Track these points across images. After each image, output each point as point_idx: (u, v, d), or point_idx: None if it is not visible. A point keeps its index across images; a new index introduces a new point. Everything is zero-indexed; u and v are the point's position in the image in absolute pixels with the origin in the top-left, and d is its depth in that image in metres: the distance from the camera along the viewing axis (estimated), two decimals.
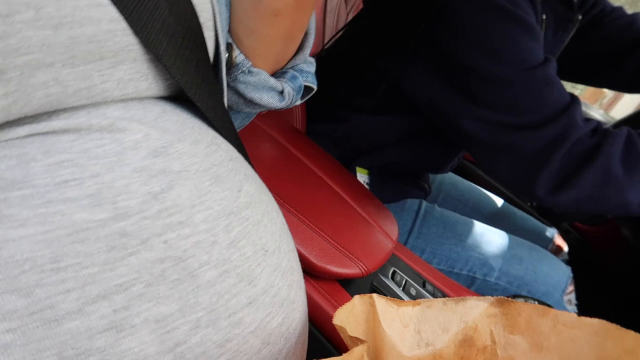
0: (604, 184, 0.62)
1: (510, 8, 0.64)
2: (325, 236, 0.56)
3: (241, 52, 0.36)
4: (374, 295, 0.28)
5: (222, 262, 0.21)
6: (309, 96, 0.44)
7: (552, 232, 1.09)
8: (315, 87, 0.44)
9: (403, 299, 0.41)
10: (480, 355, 0.30)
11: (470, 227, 0.92)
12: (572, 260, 1.14)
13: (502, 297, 0.29)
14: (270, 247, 0.24)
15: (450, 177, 1.14)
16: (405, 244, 0.89)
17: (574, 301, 0.92)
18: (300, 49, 0.41)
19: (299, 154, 0.67)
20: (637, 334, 0.26)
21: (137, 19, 0.22)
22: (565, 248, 1.09)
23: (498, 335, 0.30)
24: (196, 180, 0.22)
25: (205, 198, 0.22)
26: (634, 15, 0.92)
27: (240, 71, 0.37)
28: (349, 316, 0.27)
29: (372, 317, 0.28)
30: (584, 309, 1.10)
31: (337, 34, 0.87)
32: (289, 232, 0.29)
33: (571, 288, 0.89)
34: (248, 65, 0.37)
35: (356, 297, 0.28)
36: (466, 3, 0.65)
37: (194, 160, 0.23)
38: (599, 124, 0.65)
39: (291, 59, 0.41)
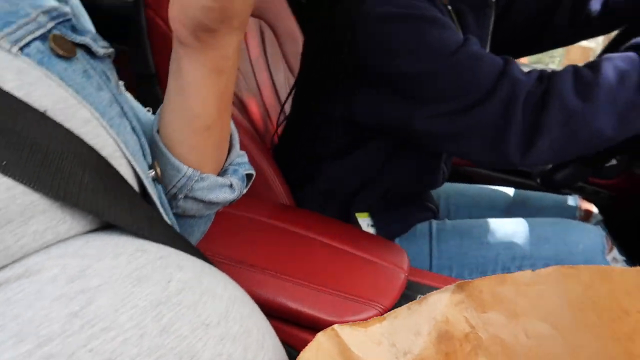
0: (567, 120, 0.62)
1: (407, 12, 0.68)
2: (330, 290, 0.56)
3: (189, 167, 0.42)
4: (335, 326, 0.29)
5: (155, 349, 0.23)
6: (251, 181, 0.50)
7: (574, 200, 1.06)
8: (253, 172, 0.49)
9: None
10: (465, 344, 0.30)
11: (486, 227, 0.91)
12: (607, 218, 1.10)
13: (460, 281, 0.30)
14: (213, 320, 0.26)
15: (454, 187, 1.14)
16: (430, 269, 0.88)
17: (620, 257, 0.87)
18: (230, 147, 0.47)
19: (286, 225, 0.69)
20: (587, 267, 0.26)
21: (31, 177, 0.26)
22: (595, 209, 1.06)
23: (473, 319, 0.30)
24: (117, 287, 0.24)
25: (128, 299, 0.24)
26: None
27: (193, 181, 0.42)
28: (317, 355, 0.27)
29: (343, 348, 0.28)
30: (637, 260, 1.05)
31: (287, 98, 0.92)
32: (244, 300, 0.31)
33: (610, 246, 0.86)
34: (197, 174, 0.42)
35: (319, 334, 0.28)
36: (371, 23, 0.70)
37: (114, 272, 0.25)
38: (542, 71, 0.67)
39: (227, 158, 0.47)
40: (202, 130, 0.41)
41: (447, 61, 0.66)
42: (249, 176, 0.49)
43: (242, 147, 0.86)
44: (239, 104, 0.96)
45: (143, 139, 0.40)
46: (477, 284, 0.29)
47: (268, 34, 1.13)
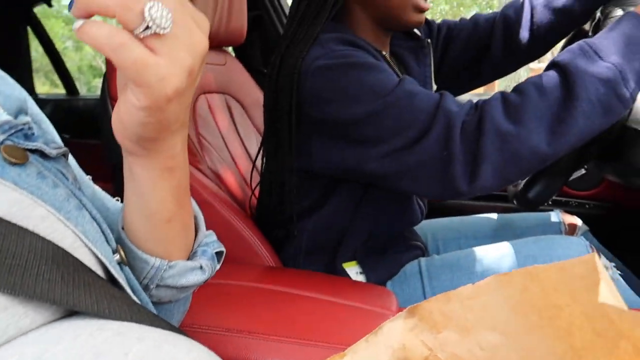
0: (503, 144, 0.65)
1: (343, 61, 0.73)
2: (317, 342, 0.56)
3: (156, 257, 0.44)
4: None
5: None
6: (222, 257, 0.51)
7: (557, 215, 1.08)
8: (223, 249, 0.51)
9: None
10: None
11: (474, 256, 0.92)
12: (595, 228, 1.11)
13: (410, 306, 0.31)
14: None
15: (439, 222, 1.15)
16: None
17: (609, 264, 0.88)
18: (197, 229, 0.49)
19: (272, 286, 0.70)
20: (518, 271, 0.28)
21: None
22: (579, 222, 1.07)
23: (430, 341, 0.31)
24: None
25: None
26: (473, 16, 1.05)
27: (162, 271, 0.44)
28: None
29: None
30: (632, 262, 1.05)
31: (255, 159, 0.95)
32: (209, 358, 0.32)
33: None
34: (165, 263, 0.44)
35: None
36: (311, 75, 0.74)
37: (71, 352, 0.26)
38: (475, 102, 0.70)
39: (195, 240, 0.48)
40: (163, 224, 0.43)
41: (385, 102, 0.70)
42: (219, 253, 0.51)
43: (222, 218, 0.89)
44: (215, 177, 0.99)
45: (104, 226, 0.42)
46: (426, 306, 0.30)
47: (235, 106, 1.18)
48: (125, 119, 0.34)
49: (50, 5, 2.53)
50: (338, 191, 0.85)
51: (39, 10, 2.74)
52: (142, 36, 0.29)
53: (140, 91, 0.31)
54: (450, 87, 1.01)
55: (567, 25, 0.94)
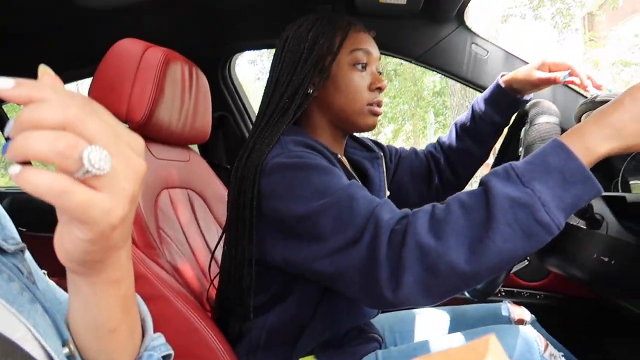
0: (423, 257, 0.65)
1: (297, 161, 0.79)
2: None
3: None
4: None
5: None
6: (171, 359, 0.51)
7: (505, 308, 1.12)
8: (171, 352, 0.51)
9: None
10: None
11: (428, 347, 0.93)
12: (544, 318, 1.15)
13: None
14: None
15: (396, 315, 1.17)
16: None
17: (557, 353, 0.91)
18: (144, 333, 0.49)
19: None
20: (437, 353, 0.31)
21: None
22: (527, 313, 1.11)
23: None
24: None
25: None
26: (412, 149, 1.23)
27: None
28: None
29: None
30: (579, 352, 1.08)
31: (214, 250, 0.97)
32: None
33: (544, 344, 0.89)
34: None
35: None
36: (267, 172, 0.80)
37: None
38: (407, 211, 0.72)
39: (141, 344, 0.48)
40: (108, 334, 0.43)
41: (325, 202, 0.73)
42: (167, 356, 0.50)
43: (178, 313, 0.88)
44: (174, 271, 1.00)
45: (58, 317, 0.43)
46: None
47: (197, 200, 1.22)
48: (69, 247, 0.34)
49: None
50: (299, 286, 0.86)
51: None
52: (82, 178, 0.29)
53: (85, 227, 0.31)
54: (400, 196, 1.13)
55: (483, 146, 1.13)
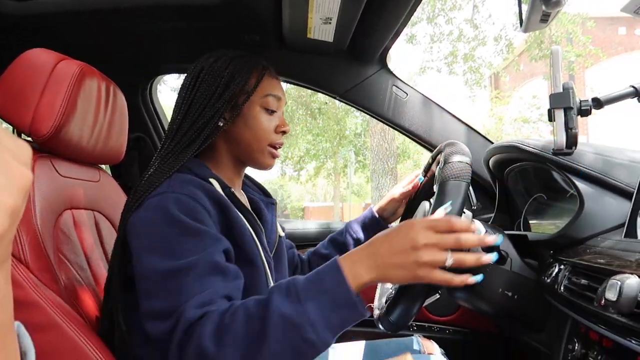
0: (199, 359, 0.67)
1: (171, 211, 0.78)
2: None
3: None
4: None
5: None
6: None
7: (417, 341, 1.14)
8: None
9: None
10: None
11: None
12: (452, 352, 1.18)
13: None
14: None
15: None
16: None
17: None
18: None
19: None
20: None
21: None
22: (436, 346, 1.14)
23: None
24: None
25: None
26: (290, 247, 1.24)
27: None
28: None
29: None
30: None
31: (107, 284, 0.90)
32: None
33: None
34: None
35: None
36: (144, 208, 0.82)
37: None
38: (210, 309, 0.72)
39: None
40: None
41: (174, 265, 0.74)
42: None
43: (71, 341, 0.81)
44: (71, 296, 0.91)
45: None
46: None
47: (105, 223, 1.14)
48: None
49: None
50: None
51: None
52: None
53: None
54: None
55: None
